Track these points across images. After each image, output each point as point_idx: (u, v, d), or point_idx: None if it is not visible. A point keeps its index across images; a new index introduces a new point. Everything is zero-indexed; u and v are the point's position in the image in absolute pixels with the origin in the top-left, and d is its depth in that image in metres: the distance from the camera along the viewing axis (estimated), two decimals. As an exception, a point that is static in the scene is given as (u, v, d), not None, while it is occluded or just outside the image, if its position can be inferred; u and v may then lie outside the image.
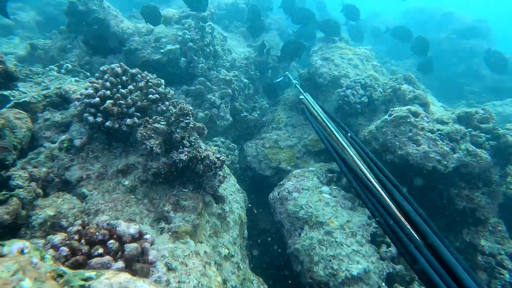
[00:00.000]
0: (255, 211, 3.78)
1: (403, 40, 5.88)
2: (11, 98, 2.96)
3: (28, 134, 2.30)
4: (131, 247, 1.21)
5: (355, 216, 3.15)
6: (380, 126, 3.27)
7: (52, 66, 4.10)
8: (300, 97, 2.71)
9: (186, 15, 4.87)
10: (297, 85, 3.04)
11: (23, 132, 2.23)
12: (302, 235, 3.05)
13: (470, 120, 3.25)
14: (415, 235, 1.25)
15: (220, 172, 2.50)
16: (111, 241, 1.23)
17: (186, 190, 2.35)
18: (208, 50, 4.54)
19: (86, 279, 0.88)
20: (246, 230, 2.98)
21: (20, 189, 1.87)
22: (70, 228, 1.31)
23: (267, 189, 3.81)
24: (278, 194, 3.50)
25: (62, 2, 7.81)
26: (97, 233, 1.24)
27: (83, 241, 1.24)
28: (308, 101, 2.53)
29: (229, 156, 3.97)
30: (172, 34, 4.45)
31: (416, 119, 3.11)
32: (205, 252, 1.92)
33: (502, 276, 2.52)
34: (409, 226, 1.31)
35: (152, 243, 1.39)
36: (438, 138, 2.95)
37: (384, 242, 2.88)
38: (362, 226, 3.00)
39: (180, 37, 4.29)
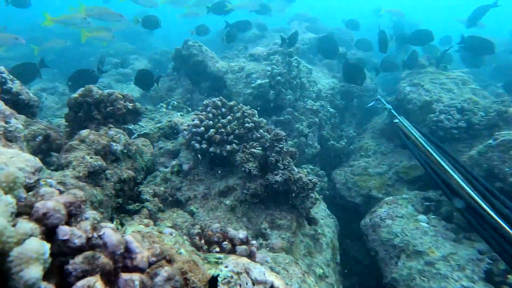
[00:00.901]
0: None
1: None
2: (134, 131, 3.59)
3: (151, 158, 2.75)
4: (241, 249, 1.37)
5: (460, 249, 2.85)
6: (484, 151, 3.02)
7: (162, 104, 4.79)
8: (394, 121, 2.67)
9: (274, 52, 5.29)
10: (392, 110, 3.00)
11: (148, 156, 2.68)
12: (399, 264, 2.88)
13: None
14: None
15: (312, 194, 2.59)
16: (225, 242, 1.42)
17: (280, 210, 2.49)
18: (295, 82, 4.81)
19: (218, 258, 1.08)
20: (338, 256, 2.95)
21: (148, 202, 2.25)
22: (192, 230, 1.55)
23: (357, 217, 3.71)
24: (370, 221, 3.40)
25: (167, 51, 9.20)
26: (213, 236, 1.44)
27: (202, 241, 1.45)
28: (404, 125, 2.48)
29: (319, 183, 4.01)
30: (261, 70, 4.85)
31: None
32: (304, 267, 2.00)
33: None
34: None
35: (257, 248, 1.54)
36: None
37: (505, 283, 2.52)
38: (471, 261, 2.70)
39: (269, 72, 4.66)
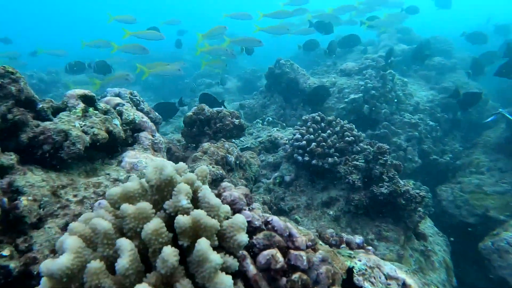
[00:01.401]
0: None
1: None
2: (238, 145, 3.94)
3: (258, 169, 3.01)
4: (362, 252, 1.45)
5: None
6: None
7: (258, 120, 5.12)
8: None
9: (366, 67, 5.26)
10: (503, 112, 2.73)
11: (255, 167, 2.94)
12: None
13: None
14: None
15: (420, 208, 2.51)
16: (343, 245, 1.51)
17: (387, 223, 2.47)
18: (390, 96, 4.69)
19: (350, 253, 1.19)
20: (454, 278, 2.74)
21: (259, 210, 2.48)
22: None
23: (470, 239, 3.39)
24: (493, 245, 3.07)
25: (255, 69, 9.80)
26: (331, 239, 1.55)
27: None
28: None
29: (426, 199, 3.80)
30: (354, 85, 4.87)
31: None
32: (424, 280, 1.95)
33: None
34: None
35: (374, 254, 1.60)
36: None
37: None
38: None
39: (363, 87, 4.64)
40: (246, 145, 3.92)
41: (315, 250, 1.03)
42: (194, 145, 3.22)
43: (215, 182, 2.44)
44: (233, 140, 3.94)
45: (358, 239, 1.62)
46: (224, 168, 2.62)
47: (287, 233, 0.91)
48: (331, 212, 2.68)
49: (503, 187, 3.78)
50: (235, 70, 10.93)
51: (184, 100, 5.29)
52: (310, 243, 0.96)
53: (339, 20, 7.41)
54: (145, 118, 2.33)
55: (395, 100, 4.80)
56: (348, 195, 2.64)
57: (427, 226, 3.19)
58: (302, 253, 0.88)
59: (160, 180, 0.84)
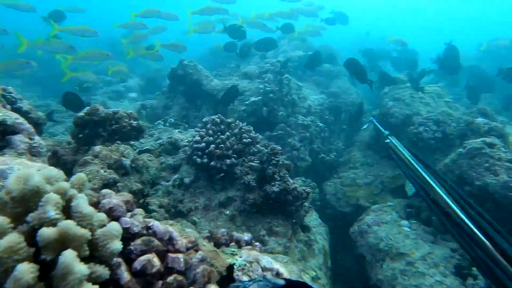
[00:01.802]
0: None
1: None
2: (134, 148, 3.78)
3: (156, 172, 2.97)
4: (247, 248, 1.60)
5: (437, 249, 3.14)
6: (455, 159, 3.36)
7: (159, 121, 5.00)
8: (386, 141, 2.85)
9: (265, 71, 5.61)
10: (388, 135, 3.18)
11: (153, 170, 2.90)
12: (384, 266, 3.13)
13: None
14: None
15: (305, 203, 2.83)
16: (232, 243, 1.64)
17: (277, 219, 2.72)
18: (286, 99, 5.11)
19: (233, 251, 1.30)
20: (329, 261, 3.17)
21: (155, 213, 2.46)
22: (201, 234, 1.76)
23: (347, 226, 3.96)
24: (358, 228, 3.65)
25: (159, 68, 9.48)
26: (221, 238, 1.67)
27: (212, 244, 1.67)
28: (394, 144, 2.67)
29: (311, 194, 4.26)
30: (254, 88, 5.15)
31: (492, 150, 3.14)
32: (300, 266, 2.22)
33: None
34: (504, 261, 1.36)
35: (260, 249, 1.77)
36: (519, 167, 2.91)
37: (470, 274, 2.81)
38: (445, 259, 2.99)
39: (262, 90, 4.96)
40: (145, 147, 3.79)
41: (197, 250, 1.11)
42: (87, 147, 2.99)
43: (108, 187, 2.33)
44: (132, 142, 3.78)
45: (246, 236, 1.76)
46: (117, 172, 2.52)
47: (167, 237, 0.97)
48: (227, 212, 2.82)
49: (370, 178, 4.53)
50: (139, 68, 10.36)
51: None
52: (190, 244, 1.04)
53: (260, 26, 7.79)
54: (21, 119, 2.09)
55: (291, 104, 5.26)
56: (244, 195, 2.82)
57: (312, 218, 3.60)
58: (180, 255, 0.94)
59: (24, 191, 0.79)
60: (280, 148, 2.86)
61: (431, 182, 1.97)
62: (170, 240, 0.97)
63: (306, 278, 1.88)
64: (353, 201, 4.37)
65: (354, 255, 3.70)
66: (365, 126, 4.60)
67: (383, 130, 3.42)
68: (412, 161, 2.29)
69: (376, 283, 3.09)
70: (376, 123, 4.13)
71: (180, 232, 1.13)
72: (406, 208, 3.83)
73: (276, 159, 2.79)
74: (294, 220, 2.82)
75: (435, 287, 2.77)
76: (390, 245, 3.26)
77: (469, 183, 3.17)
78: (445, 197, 1.75)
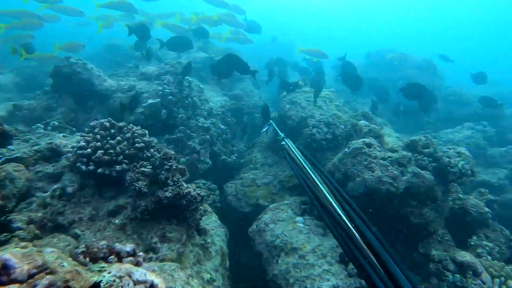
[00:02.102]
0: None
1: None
2: (0, 156, 3.23)
3: (26, 184, 2.58)
4: (128, 260, 1.50)
5: (325, 241, 3.47)
6: (341, 158, 3.73)
7: (39, 125, 4.38)
8: (282, 143, 2.98)
9: (165, 72, 5.43)
10: (283, 136, 3.29)
11: (22, 182, 2.51)
12: (279, 261, 3.32)
13: (415, 147, 3.75)
14: (374, 260, 1.49)
15: (201, 207, 2.82)
16: (111, 256, 1.52)
17: (171, 224, 2.64)
18: (186, 101, 5.02)
19: (101, 267, 1.19)
20: (227, 261, 3.22)
21: (21, 231, 2.13)
22: (76, 250, 1.59)
23: (248, 226, 4.08)
24: (256, 227, 3.80)
25: (41, 65, 8.35)
26: (99, 252, 1.54)
27: (87, 259, 1.52)
28: (289, 146, 2.79)
29: (211, 196, 4.27)
30: (152, 90, 4.93)
31: (370, 149, 3.59)
32: (189, 272, 2.18)
33: (447, 278, 2.86)
34: (369, 251, 1.56)
35: (144, 259, 1.68)
36: (389, 164, 3.41)
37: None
38: (332, 249, 3.32)
39: (161, 92, 4.77)
40: (15, 155, 3.27)
41: (52, 273, 0.99)
42: None
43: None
44: (-1, 150, 3.23)
45: (128, 247, 1.66)
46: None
47: (1, 266, 0.83)
48: (116, 221, 2.62)
49: (269, 178, 4.77)
50: (12, 61, 8.88)
51: None
52: (36, 270, 0.92)
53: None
54: None
55: (191, 106, 5.18)
56: (135, 202, 2.65)
57: (212, 220, 3.61)
58: (14, 286, 0.82)
59: None
60: (173, 152, 2.78)
61: (316, 180, 2.14)
62: (5, 269, 0.84)
63: (195, 283, 1.87)
64: (253, 201, 4.53)
65: (254, 253, 3.84)
66: (264, 129, 4.83)
67: (279, 133, 3.60)
68: (302, 161, 2.48)
69: (272, 278, 3.25)
70: (275, 126, 4.36)
71: (30, 256, 0.99)
72: (301, 205, 4.14)
73: (169, 164, 2.71)
74: (189, 224, 2.78)
75: (322, 275, 3.05)
76: (285, 241, 3.47)
77: (352, 179, 3.56)
78: (325, 193, 1.92)
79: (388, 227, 3.53)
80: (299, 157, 2.56)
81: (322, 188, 1.96)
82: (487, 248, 3.84)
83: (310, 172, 2.28)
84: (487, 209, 4.20)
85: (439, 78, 11.21)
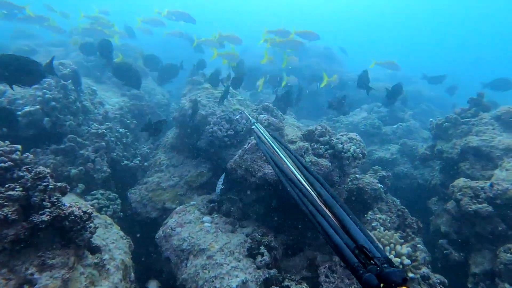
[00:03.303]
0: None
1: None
2: None
3: None
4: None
5: (233, 237, 3.54)
6: (241, 154, 3.79)
7: None
8: (252, 127, 3.19)
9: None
10: (253, 122, 3.36)
11: None
12: (188, 265, 3.28)
13: (312, 136, 4.01)
14: (331, 216, 1.67)
15: (90, 224, 2.60)
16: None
17: (54, 249, 2.38)
18: (75, 107, 4.55)
19: None
20: (132, 273, 3.07)
21: None
22: None
23: (157, 231, 3.93)
24: (162, 233, 3.68)
25: None
26: None
27: None
28: (258, 129, 3.01)
29: (111, 207, 3.99)
30: (29, 95, 4.34)
31: None
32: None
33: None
34: (325, 209, 1.72)
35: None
36: (285, 155, 3.60)
37: (259, 253, 3.30)
38: (239, 244, 3.40)
39: (40, 97, 4.23)
40: None
41: None
42: None
43: None
44: None
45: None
46: None
47: None
48: (-18, 257, 2.26)
49: (174, 180, 4.65)
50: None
51: None
52: None
53: None
54: None
55: (82, 111, 4.71)
56: (1, 232, 2.31)
57: (112, 233, 3.38)
58: None
59: None
60: (49, 171, 2.49)
61: (281, 155, 2.34)
62: None
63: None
64: (159, 205, 4.37)
65: (163, 260, 3.72)
66: (237, 116, 4.61)
67: (250, 119, 3.64)
68: (269, 141, 2.69)
69: (182, 283, 3.19)
70: (247, 114, 4.23)
71: None
72: (208, 204, 4.12)
73: (44, 183, 2.42)
74: (77, 245, 2.54)
75: (231, 272, 3.08)
76: (193, 244, 3.43)
77: (254, 175, 3.60)
78: (289, 164, 2.13)
79: (295, 217, 3.75)
80: (266, 138, 2.74)
81: (286, 161, 2.13)
82: (380, 220, 4.33)
83: (276, 148, 2.45)
84: (379, 185, 4.71)
85: (338, 65, 12.29)
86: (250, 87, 8.25)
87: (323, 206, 1.74)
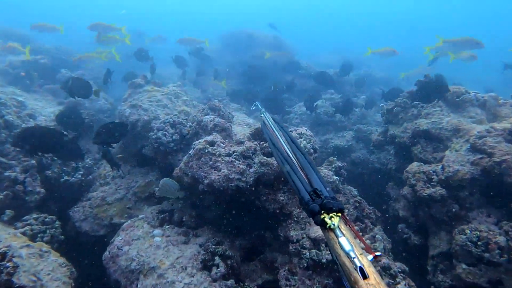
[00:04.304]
0: None
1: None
2: None
3: None
4: None
5: (187, 249, 3.31)
6: (187, 161, 3.51)
7: None
8: (260, 115, 3.32)
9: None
10: (258, 104, 3.84)
11: None
12: (138, 286, 3.01)
13: (261, 134, 3.84)
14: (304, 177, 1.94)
15: (8, 264, 2.26)
16: None
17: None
18: (-4, 122, 4.02)
19: None
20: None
21: None
22: None
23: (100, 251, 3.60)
24: (109, 253, 3.37)
25: None
26: None
27: None
28: (266, 117, 3.14)
29: (47, 231, 3.58)
30: None
31: (214, 148, 3.46)
32: None
33: (304, 255, 3.08)
34: (299, 168, 2.05)
35: None
36: (234, 159, 3.37)
37: (214, 265, 3.10)
38: (192, 257, 3.18)
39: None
40: None
41: None
42: None
43: None
44: None
45: None
46: None
47: None
48: None
49: (121, 193, 4.30)
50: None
51: None
52: None
53: None
54: None
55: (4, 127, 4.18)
56: None
57: (48, 262, 3.04)
58: None
59: None
60: None
61: (281, 140, 2.51)
62: None
63: None
64: (106, 221, 4.02)
65: (112, 282, 3.42)
66: (253, 107, 4.25)
67: (260, 108, 3.63)
68: (273, 127, 2.81)
69: (132, 307, 2.94)
70: (258, 105, 3.97)
71: None
72: (158, 214, 3.83)
73: None
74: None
75: (185, 290, 2.88)
76: (142, 262, 3.16)
77: (201, 182, 3.34)
78: (284, 145, 2.39)
79: (252, 220, 3.59)
80: (271, 125, 2.89)
81: (283, 143, 2.42)
82: (325, 214, 4.25)
83: (277, 134, 2.62)
84: (335, 177, 4.61)
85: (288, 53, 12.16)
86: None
87: (299, 168, 2.06)
